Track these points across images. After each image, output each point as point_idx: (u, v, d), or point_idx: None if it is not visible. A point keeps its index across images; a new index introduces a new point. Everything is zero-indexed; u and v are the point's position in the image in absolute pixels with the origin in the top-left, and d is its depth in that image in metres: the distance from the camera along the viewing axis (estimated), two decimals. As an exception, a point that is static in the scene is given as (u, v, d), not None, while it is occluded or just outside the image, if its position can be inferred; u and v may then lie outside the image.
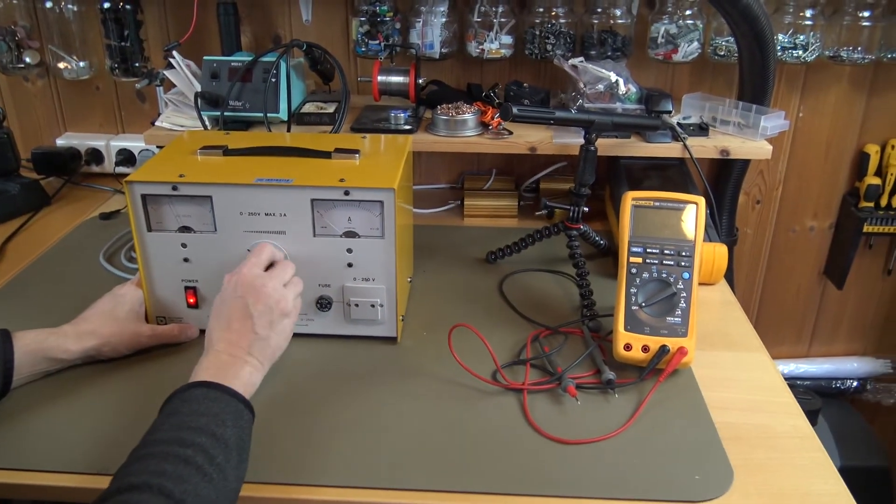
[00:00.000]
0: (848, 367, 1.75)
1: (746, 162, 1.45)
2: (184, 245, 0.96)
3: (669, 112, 1.31)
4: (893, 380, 1.76)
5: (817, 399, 1.60)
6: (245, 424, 0.74)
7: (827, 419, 1.67)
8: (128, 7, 1.43)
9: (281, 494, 0.76)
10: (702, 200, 0.98)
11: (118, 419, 0.85)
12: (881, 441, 1.70)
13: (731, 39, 1.37)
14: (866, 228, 1.57)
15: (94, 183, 1.59)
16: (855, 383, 1.76)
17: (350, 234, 0.94)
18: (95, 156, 1.59)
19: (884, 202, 1.56)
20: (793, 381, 1.75)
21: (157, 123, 1.34)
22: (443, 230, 1.38)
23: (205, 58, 1.31)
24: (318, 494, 0.76)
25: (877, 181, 1.54)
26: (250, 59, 1.29)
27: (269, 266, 0.91)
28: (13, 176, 1.47)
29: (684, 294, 0.94)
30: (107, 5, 1.42)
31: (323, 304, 0.98)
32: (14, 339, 0.86)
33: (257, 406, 0.79)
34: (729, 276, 1.56)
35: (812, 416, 1.58)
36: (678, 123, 1.30)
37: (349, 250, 0.95)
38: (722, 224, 1.52)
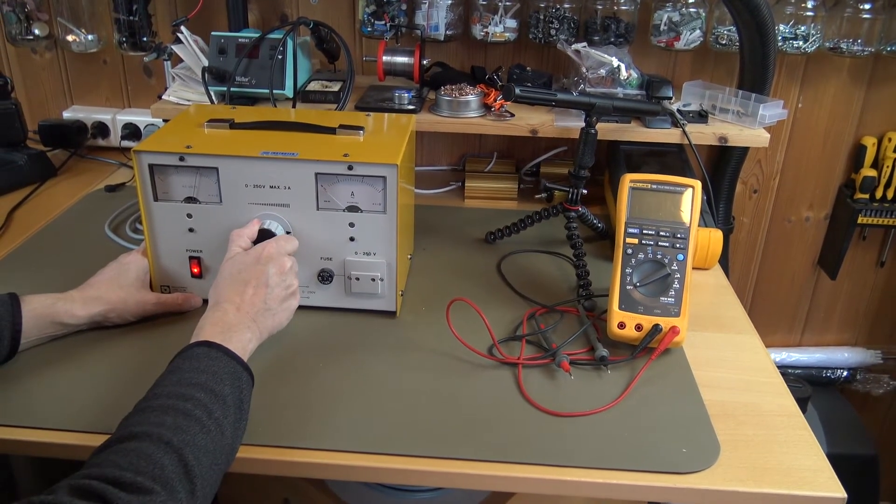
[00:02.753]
0: (839, 356, 1.78)
1: (744, 151, 1.47)
2: (189, 215, 0.98)
3: (670, 98, 1.32)
4: (883, 370, 1.78)
5: (807, 387, 1.63)
6: (244, 386, 0.76)
7: (816, 407, 1.70)
8: (136, -19, 1.45)
9: (280, 457, 0.78)
10: (698, 184, 0.99)
11: (121, 382, 0.87)
12: (869, 430, 1.73)
13: (733, 28, 1.38)
14: (861, 220, 1.59)
15: (99, 156, 1.61)
16: (845, 373, 1.78)
17: (353, 209, 0.96)
18: (101, 129, 1.61)
19: (879, 194, 1.58)
20: (784, 370, 1.78)
21: (164, 97, 1.36)
22: (444, 210, 1.40)
23: (213, 33, 1.33)
24: (317, 458, 0.78)
25: (873, 173, 1.56)
26: (257, 35, 1.31)
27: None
28: (20, 147, 1.49)
29: (678, 275, 0.96)
30: (116, -21, 1.43)
31: (324, 277, 1.00)
32: (22, 303, 0.88)
33: (259, 373, 0.81)
34: (724, 265, 1.58)
35: (802, 404, 1.60)
36: (678, 110, 1.32)
37: (351, 224, 0.97)
38: (719, 212, 1.54)
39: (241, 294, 0.86)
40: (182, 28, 1.35)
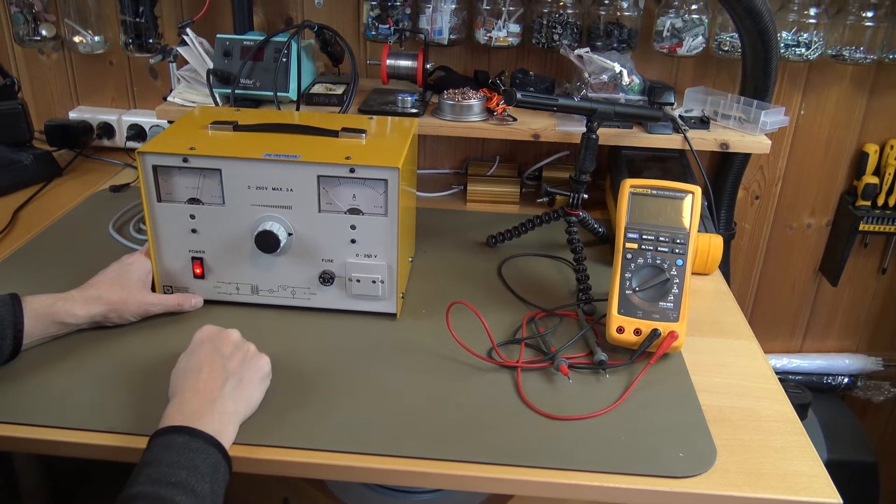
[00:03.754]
0: (840, 363, 1.78)
1: (746, 157, 1.47)
2: (192, 216, 0.99)
3: (671, 104, 1.33)
4: (884, 377, 1.78)
5: (808, 394, 1.63)
6: (221, 478, 0.72)
7: (817, 414, 1.70)
8: (143, -17, 1.46)
9: (280, 457, 0.78)
10: (698, 190, 1.00)
11: (122, 381, 0.88)
12: (870, 437, 1.73)
13: (736, 35, 1.38)
14: (862, 227, 1.59)
15: (104, 156, 1.62)
16: (846, 380, 1.78)
17: (354, 211, 0.97)
18: (107, 130, 1.62)
19: (880, 202, 1.58)
20: (785, 376, 1.78)
21: (169, 99, 1.37)
22: (445, 214, 1.40)
23: (218, 36, 1.33)
24: (316, 458, 0.78)
25: (874, 180, 1.56)
26: (262, 38, 1.32)
27: None
28: (26, 147, 1.50)
29: (677, 280, 0.96)
30: (122, -19, 1.45)
31: (325, 278, 1.01)
32: (24, 303, 0.89)
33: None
34: (725, 271, 1.59)
35: (802, 411, 1.61)
36: (680, 116, 1.32)
37: (353, 227, 0.98)
38: (720, 218, 1.55)
39: (197, 380, 0.80)
40: (188, 30, 1.35)
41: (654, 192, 1.01)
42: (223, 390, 0.79)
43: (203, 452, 0.71)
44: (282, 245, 0.97)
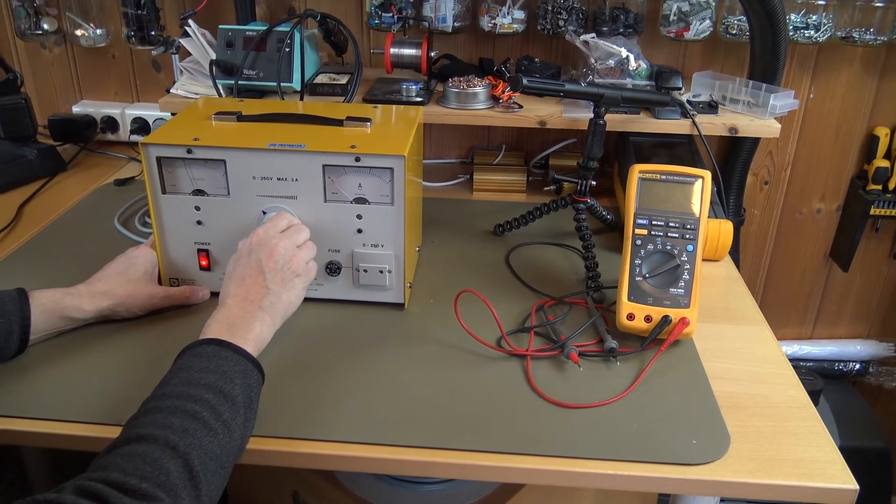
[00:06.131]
0: (851, 349, 1.76)
1: (755, 142, 1.46)
2: (197, 208, 0.98)
3: (679, 89, 1.32)
4: (896, 363, 1.77)
5: (819, 380, 1.62)
6: (253, 384, 0.76)
7: (828, 400, 1.69)
8: (144, -25, 1.45)
9: (289, 448, 0.78)
10: (708, 174, 0.99)
11: (130, 375, 0.87)
12: (882, 423, 1.72)
13: (744, 18, 1.37)
14: (873, 211, 1.57)
15: (108, 150, 1.61)
16: (858, 366, 1.77)
17: (360, 201, 0.96)
18: (111, 124, 1.61)
19: (892, 185, 1.56)
20: (796, 363, 1.77)
21: (172, 91, 1.36)
22: (452, 203, 1.39)
23: (220, 27, 1.33)
24: (325, 449, 0.78)
25: (885, 164, 1.54)
26: (265, 28, 1.31)
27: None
28: (30, 141, 1.49)
29: (688, 266, 0.95)
30: (123, -27, 1.44)
31: (332, 269, 1.00)
32: (31, 298, 0.88)
33: (268, 365, 0.81)
34: (735, 257, 1.58)
35: (814, 397, 1.59)
36: (688, 100, 1.31)
37: (359, 216, 0.97)
38: (729, 204, 1.53)
39: (241, 287, 0.86)
40: (190, 21, 1.35)
41: (664, 177, 0.99)
42: (262, 306, 0.85)
43: (231, 360, 0.75)
44: (288, 236, 0.96)
